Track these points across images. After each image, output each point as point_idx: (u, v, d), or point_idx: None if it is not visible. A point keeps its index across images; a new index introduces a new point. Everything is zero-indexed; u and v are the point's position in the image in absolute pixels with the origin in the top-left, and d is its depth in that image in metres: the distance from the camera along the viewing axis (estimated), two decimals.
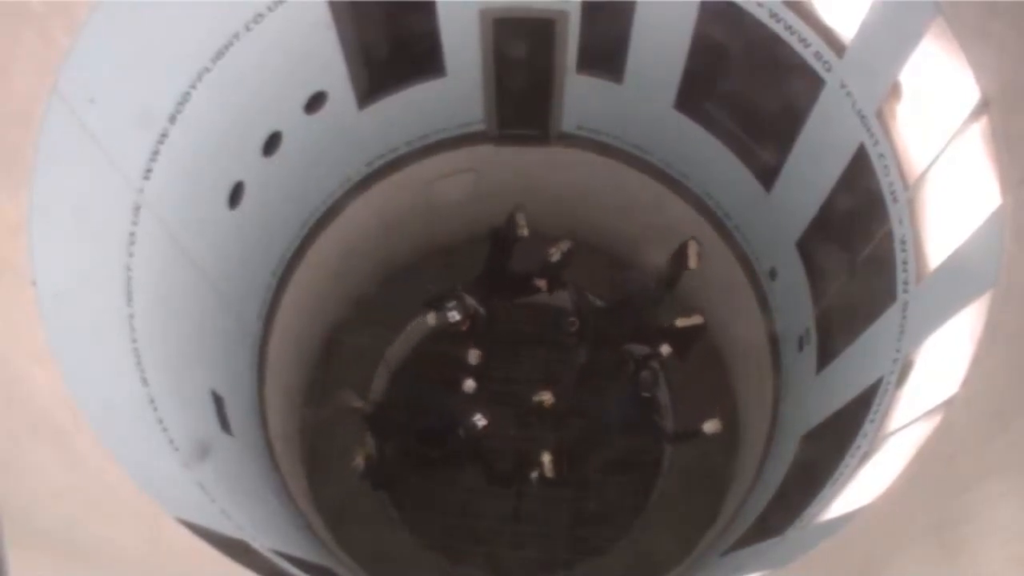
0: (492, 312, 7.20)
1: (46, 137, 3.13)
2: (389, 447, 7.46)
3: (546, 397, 7.00)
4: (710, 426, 6.54)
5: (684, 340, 7.07)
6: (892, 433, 4.13)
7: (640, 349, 7.07)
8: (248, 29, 4.46)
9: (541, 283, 7.30)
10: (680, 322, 6.96)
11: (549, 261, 7.09)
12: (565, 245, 7.10)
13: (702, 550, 6.69)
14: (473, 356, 6.87)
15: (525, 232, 6.99)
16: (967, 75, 3.53)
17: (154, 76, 4.02)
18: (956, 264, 3.89)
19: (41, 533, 2.45)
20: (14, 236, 2.96)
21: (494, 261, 7.28)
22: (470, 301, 6.84)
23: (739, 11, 4.87)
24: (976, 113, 3.54)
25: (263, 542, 4.31)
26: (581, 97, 6.34)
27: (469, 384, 6.85)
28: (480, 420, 6.50)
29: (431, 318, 7.09)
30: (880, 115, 4.42)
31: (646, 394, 6.67)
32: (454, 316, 6.68)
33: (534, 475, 6.99)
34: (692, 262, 6.83)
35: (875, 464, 4.15)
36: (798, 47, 4.75)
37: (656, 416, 7.12)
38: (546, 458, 6.85)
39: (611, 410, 6.96)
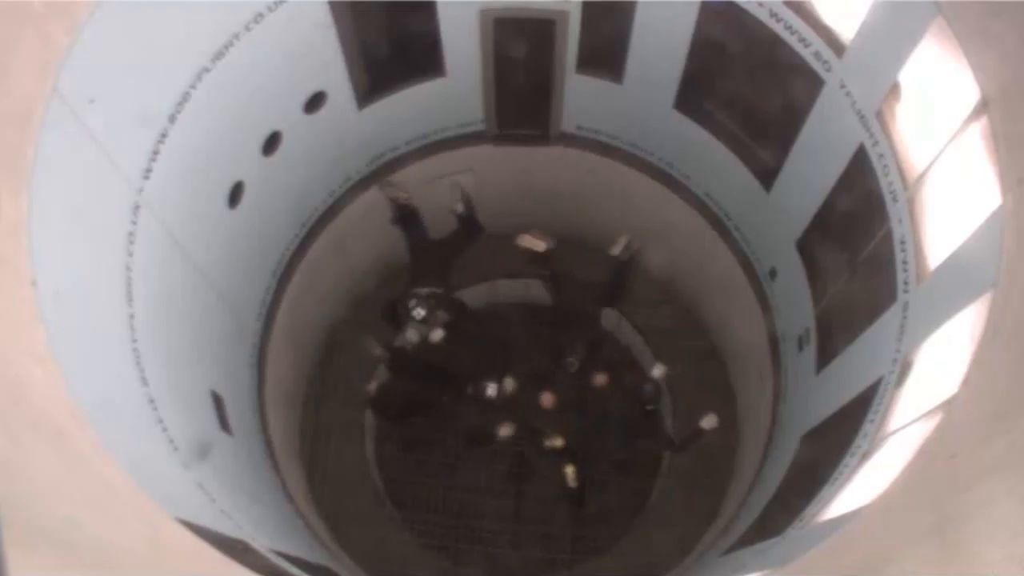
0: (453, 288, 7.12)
1: (46, 137, 3.13)
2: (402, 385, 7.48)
3: (557, 443, 6.73)
4: (708, 422, 6.47)
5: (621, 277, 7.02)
6: (892, 433, 4.13)
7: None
8: (248, 29, 4.46)
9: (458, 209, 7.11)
10: (613, 250, 6.85)
11: (457, 212, 7.01)
12: (459, 203, 6.99)
13: (702, 550, 6.69)
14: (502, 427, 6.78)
15: (404, 196, 6.79)
16: (967, 75, 3.53)
17: (154, 76, 4.02)
18: (956, 264, 3.89)
19: (41, 533, 2.45)
20: (14, 236, 2.96)
21: (413, 243, 7.12)
22: (424, 291, 6.74)
23: (739, 11, 4.87)
24: (976, 113, 3.54)
25: (263, 542, 4.31)
26: (581, 97, 6.34)
27: (436, 333, 6.83)
28: (492, 389, 6.64)
29: (412, 334, 7.01)
30: (880, 115, 4.41)
31: (650, 407, 6.61)
32: (419, 312, 6.65)
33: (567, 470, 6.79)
34: (538, 245, 6.67)
35: (875, 464, 4.15)
36: (798, 47, 4.75)
37: (661, 425, 7.04)
38: (569, 469, 6.74)
39: (615, 424, 6.88)
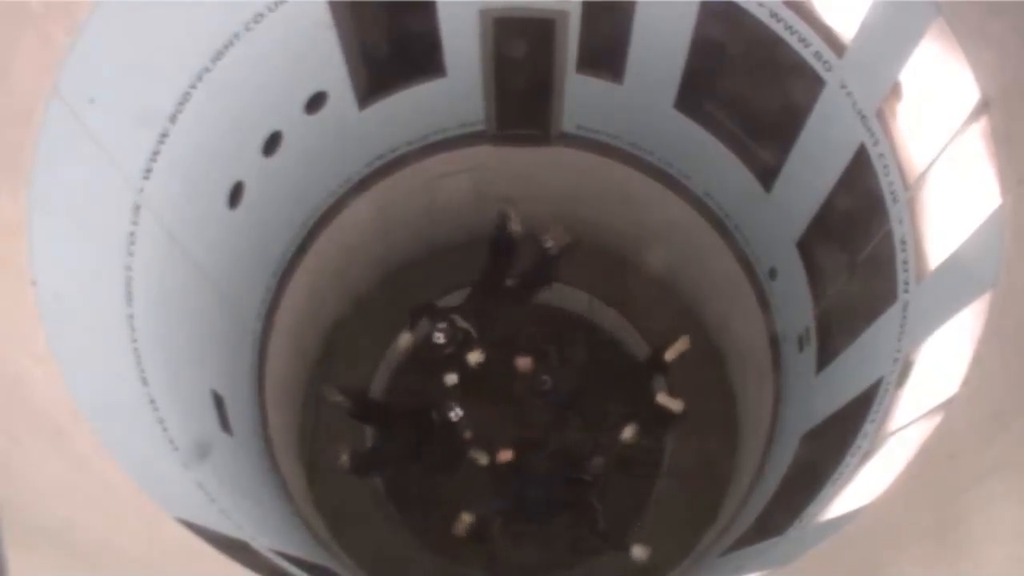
0: (486, 327, 7.01)
1: (46, 137, 3.13)
2: (380, 435, 7.45)
3: (505, 456, 6.77)
4: (638, 552, 6.49)
5: (656, 420, 7.00)
6: (892, 433, 4.13)
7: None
8: (248, 29, 4.46)
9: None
10: (661, 399, 6.85)
11: (548, 254, 6.93)
12: (564, 238, 6.89)
13: (702, 550, 6.69)
14: (474, 357, 6.77)
15: (519, 228, 6.86)
16: (967, 75, 3.53)
17: (154, 76, 4.02)
18: (956, 264, 3.89)
19: (41, 533, 2.45)
20: (14, 236, 2.96)
21: (495, 269, 7.12)
22: (461, 324, 6.71)
23: (739, 11, 4.87)
24: (976, 113, 3.54)
25: (263, 542, 4.31)
26: (581, 97, 6.34)
27: (451, 378, 6.77)
28: (457, 411, 6.47)
29: (405, 339, 7.00)
30: (880, 115, 4.42)
31: (587, 477, 6.60)
32: (439, 338, 6.63)
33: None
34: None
35: (875, 464, 4.15)
36: (798, 47, 4.75)
37: (593, 501, 6.93)
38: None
39: (544, 489, 6.87)
